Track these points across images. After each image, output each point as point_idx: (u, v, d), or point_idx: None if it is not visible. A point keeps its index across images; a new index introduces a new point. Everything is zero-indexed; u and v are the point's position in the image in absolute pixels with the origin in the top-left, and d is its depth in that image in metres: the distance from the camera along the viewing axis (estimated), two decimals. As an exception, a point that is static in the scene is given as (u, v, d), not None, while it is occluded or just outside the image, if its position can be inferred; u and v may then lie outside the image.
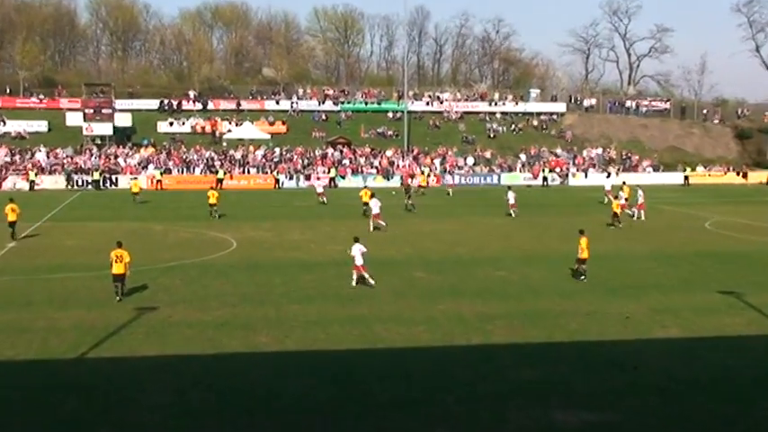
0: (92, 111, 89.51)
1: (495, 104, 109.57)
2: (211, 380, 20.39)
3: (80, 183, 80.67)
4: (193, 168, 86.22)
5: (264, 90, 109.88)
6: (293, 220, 53.28)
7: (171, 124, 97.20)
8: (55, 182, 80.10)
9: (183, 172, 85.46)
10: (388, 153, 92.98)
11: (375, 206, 48.53)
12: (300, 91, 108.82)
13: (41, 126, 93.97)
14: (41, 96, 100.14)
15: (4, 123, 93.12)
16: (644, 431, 17.63)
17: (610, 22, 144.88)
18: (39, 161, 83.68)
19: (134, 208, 61.49)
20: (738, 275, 34.25)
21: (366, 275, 31.10)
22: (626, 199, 55.11)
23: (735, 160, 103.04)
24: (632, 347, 23.52)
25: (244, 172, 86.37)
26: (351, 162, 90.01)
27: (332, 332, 24.71)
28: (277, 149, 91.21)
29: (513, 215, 55.32)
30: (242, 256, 38.15)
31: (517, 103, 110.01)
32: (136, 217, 54.54)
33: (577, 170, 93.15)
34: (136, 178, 75.57)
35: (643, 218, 53.99)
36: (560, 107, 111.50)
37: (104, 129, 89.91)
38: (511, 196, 56.17)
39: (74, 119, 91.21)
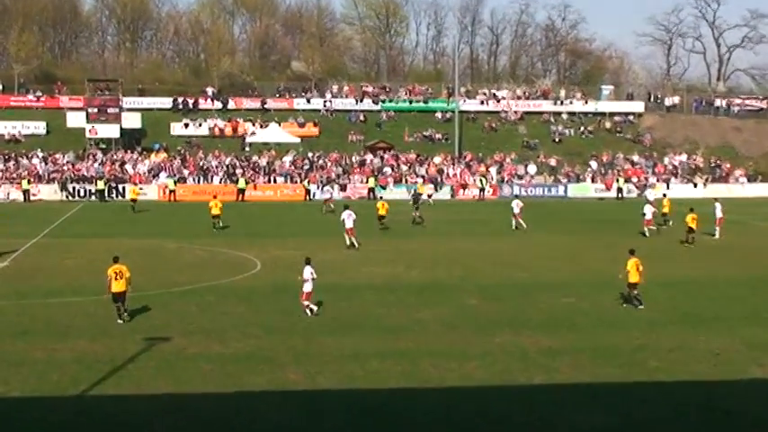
0: (96, 110, 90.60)
1: (561, 103, 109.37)
2: (232, 422, 20.45)
3: (82, 193, 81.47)
4: (211, 177, 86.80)
5: (293, 87, 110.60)
6: (326, 238, 53.26)
7: (186, 126, 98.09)
8: (53, 192, 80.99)
9: (199, 181, 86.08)
10: (437, 160, 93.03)
11: (349, 219, 48.55)
12: (335, 88, 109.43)
13: (39, 128, 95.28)
14: (39, 94, 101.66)
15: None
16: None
17: (695, 8, 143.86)
18: (35, 167, 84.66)
19: (143, 223, 61.94)
20: None
21: (312, 305, 31.17)
22: (654, 213, 56.09)
23: None
24: (723, 389, 23.27)
25: (269, 181, 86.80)
26: (393, 170, 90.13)
27: (371, 368, 24.70)
28: (309, 155, 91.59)
29: (515, 227, 57.37)
30: (267, 279, 38.27)
31: (587, 102, 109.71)
32: (145, 233, 54.97)
33: (658, 180, 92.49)
34: (137, 184, 76.99)
35: (717, 235, 54.03)
36: (637, 107, 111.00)
37: (110, 131, 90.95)
38: (515, 205, 58.38)
39: (75, 119, 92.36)
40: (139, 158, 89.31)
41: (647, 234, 54.67)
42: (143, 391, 22.57)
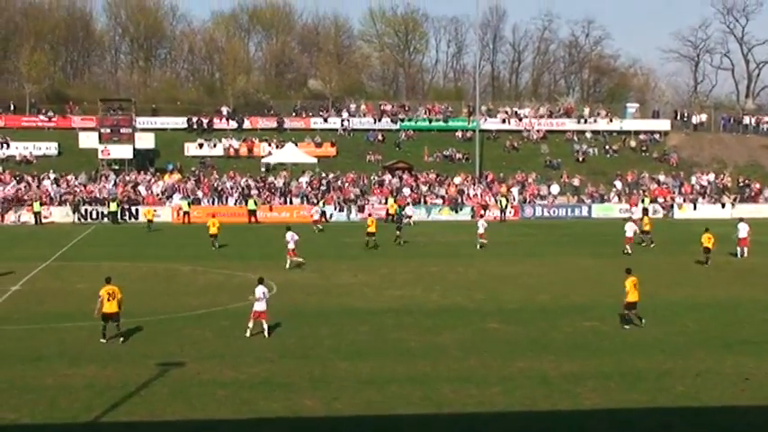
0: (108, 130, 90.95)
1: (585, 122, 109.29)
2: (247, 449, 20.51)
3: (94, 215, 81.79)
4: (226, 198, 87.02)
5: (310, 105, 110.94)
6: (343, 260, 53.47)
7: (200, 146, 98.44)
8: (65, 214, 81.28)
9: (214, 202, 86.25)
10: (457, 180, 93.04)
11: (291, 240, 49.59)
12: (353, 106, 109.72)
13: (50, 149, 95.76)
14: (51, 114, 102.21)
15: (8, 146, 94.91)
16: None
17: (723, 23, 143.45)
18: (47, 189, 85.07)
19: (156, 245, 62.20)
20: None
21: (265, 325, 31.45)
22: (635, 232, 58.41)
23: None
24: (753, 416, 23.22)
25: (285, 202, 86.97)
26: (412, 190, 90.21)
27: (389, 394, 24.71)
28: (326, 175, 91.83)
29: (479, 247, 59.24)
30: (283, 303, 38.30)
31: (611, 121, 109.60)
32: (159, 256, 55.18)
33: (684, 200, 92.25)
34: (152, 205, 78.11)
35: (746, 254, 54.75)
36: (664, 125, 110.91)
37: (123, 151, 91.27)
38: (481, 225, 60.97)
39: (88, 140, 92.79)
40: (153, 180, 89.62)
41: (629, 252, 56.04)
42: (156, 418, 22.66)
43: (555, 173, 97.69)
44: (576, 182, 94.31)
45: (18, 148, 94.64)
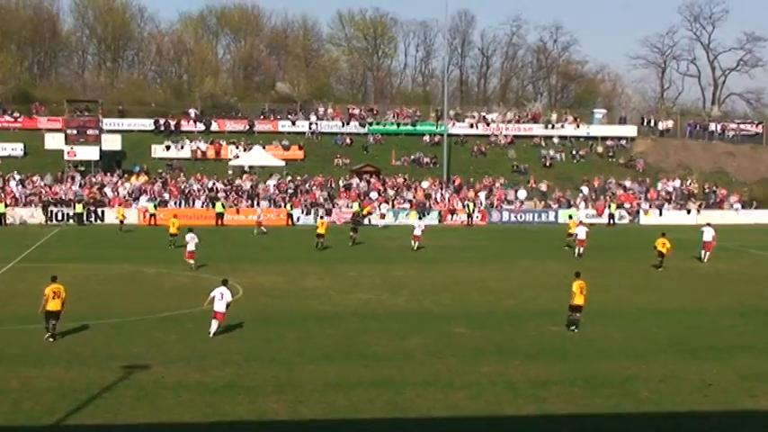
0: (75, 132, 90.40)
1: (553, 127, 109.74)
2: (211, 453, 20.46)
3: (60, 216, 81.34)
4: (193, 201, 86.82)
5: (278, 108, 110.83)
6: (310, 264, 53.47)
7: (168, 148, 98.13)
8: (30, 215, 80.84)
9: (181, 205, 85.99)
10: (425, 184, 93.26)
11: (191, 242, 50.15)
12: (321, 110, 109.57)
13: (16, 149, 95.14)
14: (16, 114, 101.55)
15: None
16: None
17: (690, 30, 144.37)
18: (12, 190, 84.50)
19: (123, 246, 61.97)
20: None
21: (214, 326, 31.98)
22: (587, 234, 59.49)
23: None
24: (715, 421, 23.38)
25: (252, 205, 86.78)
26: (380, 194, 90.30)
27: (355, 398, 24.71)
28: (294, 179, 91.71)
29: (415, 247, 60.87)
30: (249, 306, 38.25)
31: (578, 126, 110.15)
32: (124, 257, 54.96)
33: (650, 206, 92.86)
34: (121, 205, 77.99)
35: (708, 259, 55.73)
36: (630, 131, 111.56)
37: (89, 153, 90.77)
38: (418, 227, 62.75)
39: (54, 141, 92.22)
40: (119, 181, 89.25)
41: (581, 254, 57.53)
42: (120, 421, 22.53)
43: (522, 178, 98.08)
44: (543, 187, 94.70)
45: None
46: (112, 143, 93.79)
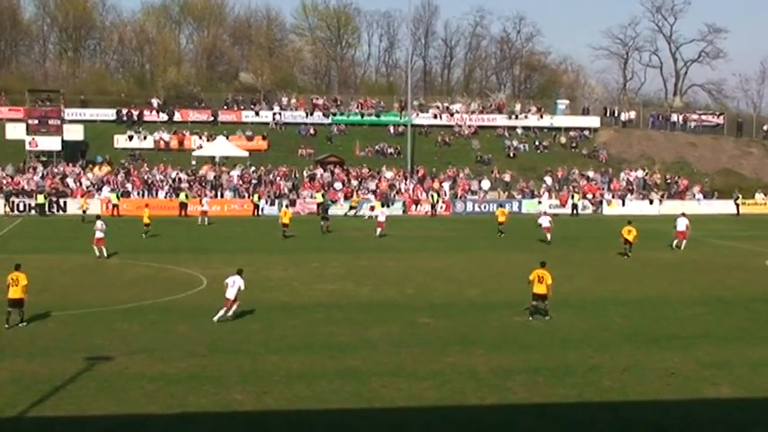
0: (36, 122, 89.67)
1: (516, 118, 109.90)
2: (175, 444, 20.39)
3: (22, 207, 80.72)
4: (156, 191, 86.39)
5: (242, 99, 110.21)
6: (274, 254, 53.40)
7: (130, 138, 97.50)
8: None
9: (144, 195, 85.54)
10: (388, 175, 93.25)
11: (100, 229, 50.82)
12: (284, 100, 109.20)
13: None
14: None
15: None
16: None
17: (652, 21, 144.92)
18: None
19: (84, 237, 61.53)
20: (805, 324, 34.33)
21: (222, 312, 32.79)
22: (550, 222, 61.42)
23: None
24: (677, 409, 23.52)
25: (216, 196, 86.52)
26: (344, 185, 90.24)
27: (319, 388, 24.69)
28: (258, 169, 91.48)
29: (378, 235, 62.57)
30: (213, 297, 38.06)
31: (542, 117, 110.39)
32: (87, 249, 54.51)
33: (613, 197, 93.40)
34: (83, 196, 77.64)
35: (682, 247, 57.25)
36: (593, 122, 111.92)
37: (51, 143, 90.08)
38: (381, 214, 65.18)
39: (15, 131, 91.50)
40: (82, 172, 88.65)
41: (548, 241, 59.29)
42: (84, 413, 22.40)
43: (486, 168, 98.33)
44: (506, 177, 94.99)
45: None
46: (74, 133, 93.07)
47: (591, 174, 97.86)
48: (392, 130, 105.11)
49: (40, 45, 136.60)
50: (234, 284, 32.72)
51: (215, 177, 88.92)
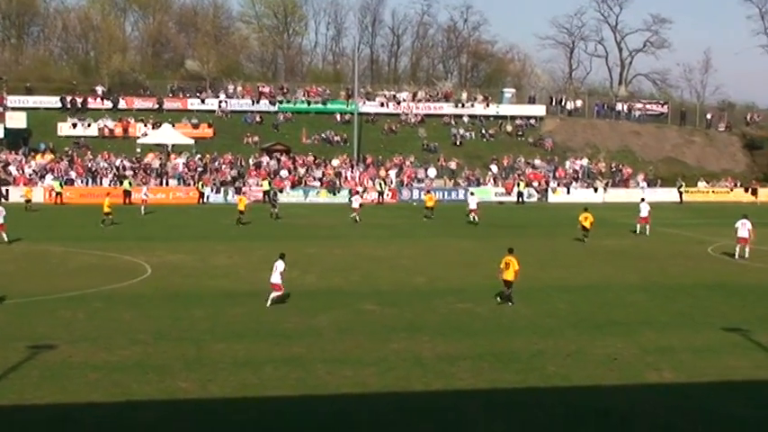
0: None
1: (463, 106, 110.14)
2: (119, 433, 20.25)
3: (-37, 196, 79.82)
4: (101, 179, 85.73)
5: (187, 86, 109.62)
6: (220, 242, 53.22)
7: (74, 126, 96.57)
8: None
9: (88, 183, 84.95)
10: (335, 162, 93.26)
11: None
12: (230, 88, 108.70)
13: None
14: None
15: None
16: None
17: (598, 11, 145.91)
18: None
19: (27, 225, 60.94)
20: (745, 310, 34.73)
21: (273, 295, 33.56)
22: (477, 204, 66.74)
23: (743, 174, 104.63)
24: (620, 394, 23.72)
25: (161, 183, 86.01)
26: (290, 173, 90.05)
27: (264, 375, 24.64)
28: (203, 157, 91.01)
29: (357, 221, 64.61)
30: (157, 285, 37.97)
31: (488, 105, 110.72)
32: (29, 237, 54.03)
33: (558, 185, 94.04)
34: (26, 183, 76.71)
35: (647, 233, 59.48)
36: (539, 110, 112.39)
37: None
38: (355, 201, 67.80)
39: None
40: (24, 160, 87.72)
41: (476, 221, 64.28)
42: (26, 402, 22.16)
43: (432, 156, 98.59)
44: (452, 165, 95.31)
45: None
46: (17, 121, 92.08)
47: (537, 162, 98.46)
48: (339, 118, 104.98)
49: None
50: (276, 269, 33.39)
51: (160, 165, 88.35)
